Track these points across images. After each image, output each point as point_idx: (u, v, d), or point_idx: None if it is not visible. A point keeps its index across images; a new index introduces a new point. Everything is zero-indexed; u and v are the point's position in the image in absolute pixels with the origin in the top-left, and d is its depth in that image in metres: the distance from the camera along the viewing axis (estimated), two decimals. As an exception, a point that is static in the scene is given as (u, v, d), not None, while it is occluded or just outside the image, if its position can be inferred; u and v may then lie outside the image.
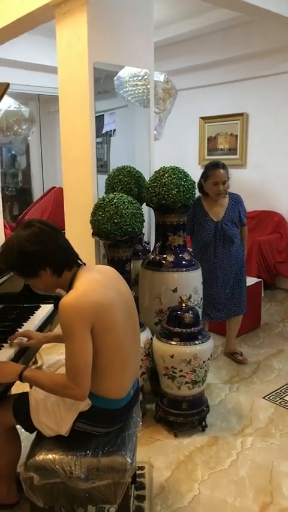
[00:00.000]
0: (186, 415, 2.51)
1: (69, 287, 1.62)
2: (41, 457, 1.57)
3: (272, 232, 5.17)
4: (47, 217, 5.42)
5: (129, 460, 1.56)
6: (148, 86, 3.58)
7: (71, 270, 1.65)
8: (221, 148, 5.74)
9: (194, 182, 2.76)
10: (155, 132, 4.68)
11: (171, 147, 6.16)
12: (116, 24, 2.65)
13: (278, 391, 2.99)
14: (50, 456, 1.56)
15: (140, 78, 3.56)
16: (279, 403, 2.84)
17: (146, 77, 3.45)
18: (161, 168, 2.74)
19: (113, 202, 2.46)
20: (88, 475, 1.53)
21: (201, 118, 5.83)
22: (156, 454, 2.37)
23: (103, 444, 1.61)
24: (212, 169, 3.06)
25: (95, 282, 1.61)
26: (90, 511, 1.95)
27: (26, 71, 5.61)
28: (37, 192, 8.18)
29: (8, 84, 1.98)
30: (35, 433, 1.70)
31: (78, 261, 1.71)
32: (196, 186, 2.83)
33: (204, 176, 3.08)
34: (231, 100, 5.47)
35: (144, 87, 3.84)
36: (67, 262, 1.64)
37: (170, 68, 5.52)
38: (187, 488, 2.12)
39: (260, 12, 3.41)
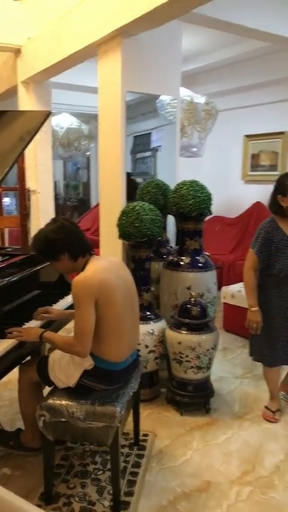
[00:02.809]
0: (191, 397, 2.86)
1: (82, 270, 2.07)
2: (51, 401, 2.02)
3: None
4: (97, 225, 5.96)
5: (118, 409, 1.96)
6: (185, 108, 4.02)
7: (85, 257, 2.10)
8: (263, 165, 6.01)
9: (210, 194, 3.13)
10: (195, 149, 5.10)
11: (216, 164, 6.53)
12: (147, 59, 3.11)
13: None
14: (58, 401, 2.01)
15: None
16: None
17: (183, 100, 3.89)
18: (182, 181, 3.14)
19: (135, 209, 2.89)
20: (86, 417, 1.95)
21: (246, 136, 6.15)
22: (161, 426, 2.74)
23: (100, 397, 2.02)
24: None
25: (102, 267, 2.05)
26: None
27: (85, 93, 6.28)
28: (95, 203, 8.84)
29: (49, 112, 2.49)
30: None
31: (92, 251, 2.16)
32: (268, 207, 2.71)
33: (283, 190, 2.56)
34: (273, 119, 5.75)
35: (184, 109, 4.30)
36: (81, 251, 2.09)
37: (215, 90, 5.94)
38: (181, 454, 2.47)
39: (285, 40, 3.75)
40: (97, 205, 7.17)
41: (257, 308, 2.67)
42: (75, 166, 9.98)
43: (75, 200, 9.85)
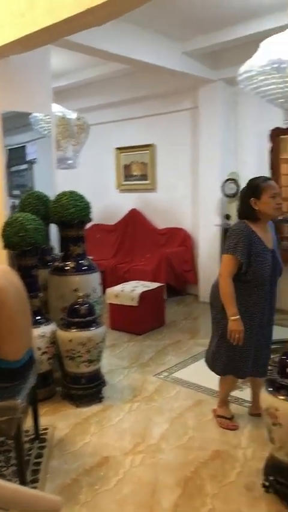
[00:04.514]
0: (85, 389, 3.12)
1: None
2: None
3: (179, 245, 5.97)
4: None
5: (19, 402, 2.15)
6: (58, 123, 4.28)
7: (-25, 267, 2.25)
8: (135, 175, 6.53)
9: (89, 202, 3.43)
10: (71, 161, 5.38)
11: (93, 175, 6.89)
12: (19, 79, 3.33)
13: (168, 370, 3.67)
14: None
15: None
16: (166, 378, 3.51)
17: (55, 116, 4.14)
18: (62, 191, 3.40)
19: (18, 220, 3.07)
20: (-11, 414, 2.10)
21: (117, 148, 6.61)
22: (60, 420, 2.94)
23: (2, 393, 2.18)
24: (265, 181, 2.61)
25: (-8, 275, 2.21)
26: (0, 459, 2.50)
27: None
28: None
29: None
30: None
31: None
32: (238, 212, 2.70)
33: (256, 193, 2.56)
34: (141, 133, 6.30)
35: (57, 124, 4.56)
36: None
37: (86, 105, 6.30)
38: (80, 439, 2.71)
39: (142, 64, 4.28)
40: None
41: (238, 316, 2.53)
42: None
43: None
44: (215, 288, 2.68)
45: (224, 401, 2.88)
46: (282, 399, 1.96)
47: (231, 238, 2.56)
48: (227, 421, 2.82)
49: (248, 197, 2.59)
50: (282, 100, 2.97)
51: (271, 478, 2.10)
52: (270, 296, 2.65)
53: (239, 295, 2.56)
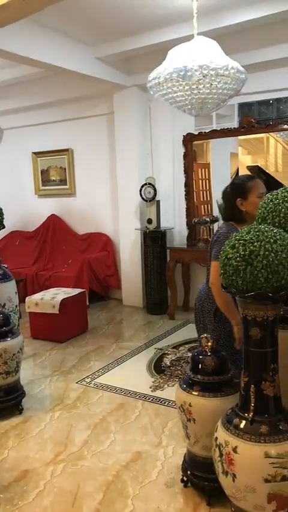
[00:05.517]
0: (3, 402, 3.00)
1: None
2: None
3: (101, 250, 5.96)
4: None
5: None
6: None
7: None
8: (54, 180, 6.43)
9: (1, 209, 3.32)
10: (-17, 167, 5.17)
11: (9, 180, 6.68)
12: None
13: (90, 376, 3.64)
14: None
15: None
16: (88, 384, 3.48)
17: None
18: (-29, 198, 3.26)
19: None
20: None
21: (33, 153, 6.47)
22: (-24, 437, 2.81)
23: None
24: (251, 180, 2.48)
25: None
26: None
27: None
28: None
29: None
30: None
31: None
32: (221, 212, 2.51)
33: (242, 192, 2.43)
34: (59, 137, 6.21)
35: None
36: None
37: (0, 109, 6.10)
38: (-3, 455, 2.61)
39: (54, 68, 4.24)
40: None
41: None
42: None
43: None
44: (205, 297, 2.49)
45: None
46: (195, 395, 2.03)
47: (221, 243, 2.27)
48: None
49: (234, 198, 2.44)
50: (189, 107, 3.08)
51: (189, 472, 2.16)
52: None
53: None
